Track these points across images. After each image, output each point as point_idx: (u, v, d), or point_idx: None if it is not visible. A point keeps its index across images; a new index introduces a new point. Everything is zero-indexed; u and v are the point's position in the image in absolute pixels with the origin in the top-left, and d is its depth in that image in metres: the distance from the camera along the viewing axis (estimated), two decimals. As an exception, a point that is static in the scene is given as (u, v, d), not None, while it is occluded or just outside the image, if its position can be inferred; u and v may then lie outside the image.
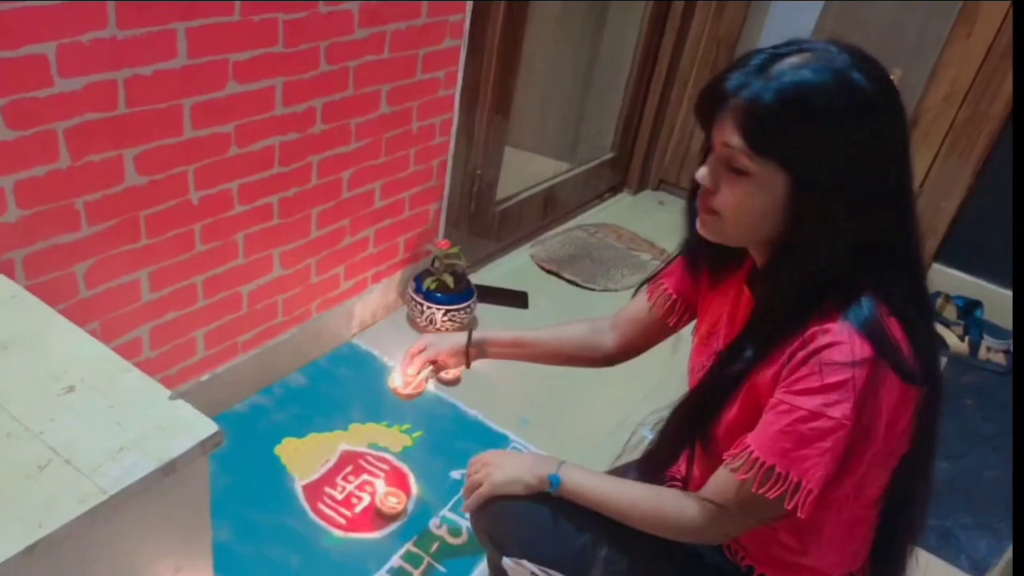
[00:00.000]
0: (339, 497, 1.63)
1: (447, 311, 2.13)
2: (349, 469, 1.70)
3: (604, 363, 1.32)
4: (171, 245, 1.48)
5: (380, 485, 1.65)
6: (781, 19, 2.94)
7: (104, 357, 1.07)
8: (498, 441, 1.86)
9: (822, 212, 0.86)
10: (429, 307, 2.12)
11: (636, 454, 1.24)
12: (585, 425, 1.97)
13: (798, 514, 0.89)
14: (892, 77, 0.87)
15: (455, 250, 2.14)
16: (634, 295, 1.27)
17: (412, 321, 2.20)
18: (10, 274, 1.22)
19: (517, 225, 2.68)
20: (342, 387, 1.94)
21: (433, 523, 1.61)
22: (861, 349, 0.85)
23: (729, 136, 0.86)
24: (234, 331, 1.73)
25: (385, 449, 1.77)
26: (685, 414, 1.06)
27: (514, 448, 1.85)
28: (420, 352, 1.33)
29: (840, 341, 0.86)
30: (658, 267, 1.24)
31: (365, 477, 1.68)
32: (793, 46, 0.87)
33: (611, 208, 3.19)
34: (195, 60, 1.35)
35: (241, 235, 1.62)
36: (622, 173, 3.25)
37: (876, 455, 0.92)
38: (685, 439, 1.10)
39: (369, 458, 1.74)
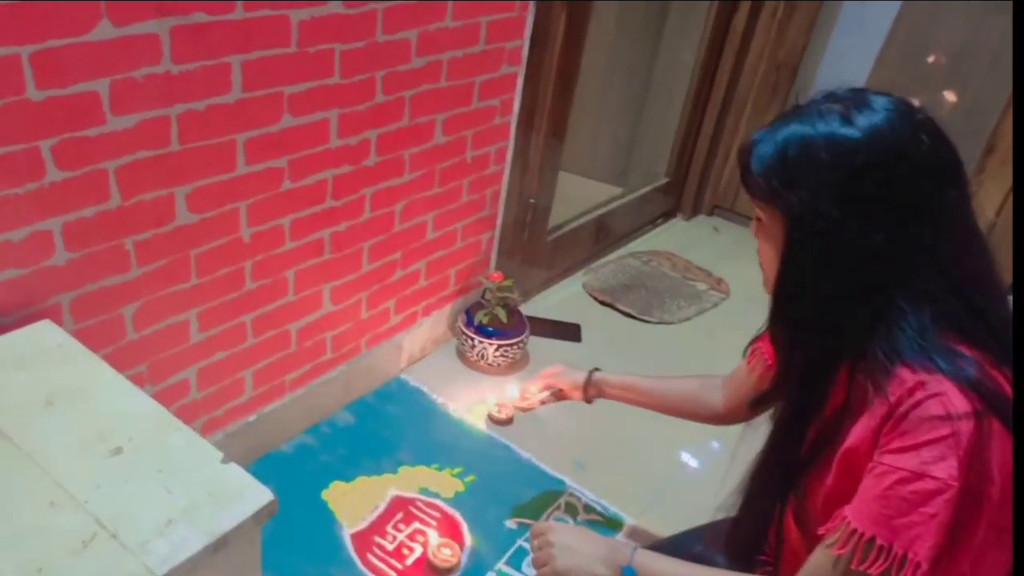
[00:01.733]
0: (390, 548, 1.55)
1: (499, 346, 2.05)
2: (399, 516, 1.62)
3: (714, 421, 1.29)
4: (221, 284, 1.42)
5: (432, 535, 1.57)
6: (842, 44, 2.83)
7: (153, 414, 1.01)
8: (553, 486, 1.77)
9: (806, 253, 0.85)
10: (481, 342, 2.04)
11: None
12: (643, 469, 1.86)
13: None
14: (949, 98, 0.84)
15: (508, 283, 2.06)
16: (744, 355, 1.21)
17: (462, 355, 2.13)
18: (57, 318, 1.17)
19: (569, 253, 2.59)
20: (391, 426, 1.86)
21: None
22: (961, 402, 0.77)
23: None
24: (282, 370, 1.66)
25: (436, 495, 1.69)
26: (764, 477, 0.99)
27: (571, 496, 1.75)
28: (551, 375, 1.49)
29: (937, 393, 0.78)
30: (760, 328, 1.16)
31: (416, 526, 1.60)
32: (820, 98, 0.88)
33: (664, 234, 3.09)
34: (249, 93, 1.29)
35: (292, 271, 1.56)
36: (676, 198, 3.15)
37: (991, 530, 0.81)
38: (768, 504, 1.01)
39: (420, 504, 1.66)
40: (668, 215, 3.18)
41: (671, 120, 2.97)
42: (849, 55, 2.81)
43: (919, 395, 0.79)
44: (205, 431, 1.54)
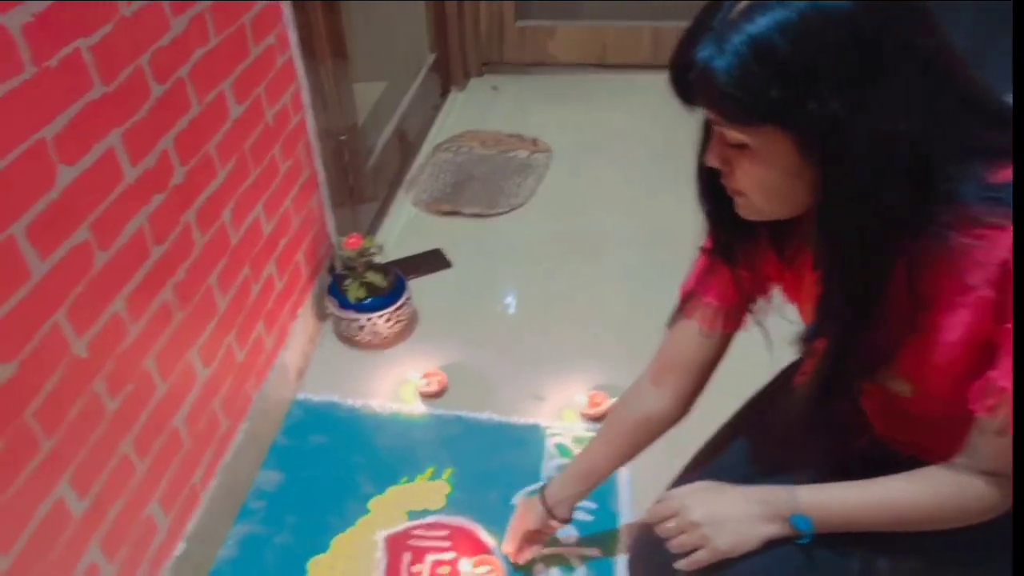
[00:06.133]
0: (421, 601, 1.30)
1: (388, 316, 1.74)
2: (408, 559, 1.35)
3: (672, 424, 1.08)
4: (78, 428, 0.99)
5: (463, 565, 1.33)
6: None
7: None
8: (532, 435, 1.57)
9: (845, 159, 0.69)
10: (368, 319, 1.72)
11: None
12: (611, 374, 1.71)
13: None
14: None
15: (370, 242, 1.73)
16: (669, 328, 1.04)
17: (349, 340, 1.79)
18: None
19: (384, 176, 2.26)
20: (327, 460, 1.54)
21: (537, 570, 1.33)
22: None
23: (708, 112, 0.74)
24: (185, 476, 1.27)
25: (427, 512, 1.43)
26: (826, 392, 0.85)
27: (554, 435, 1.57)
28: (518, 529, 1.25)
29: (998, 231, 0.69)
30: (684, 285, 1.01)
31: (432, 558, 1.35)
32: None
33: (453, 115, 2.81)
34: None
35: (150, 359, 1.14)
36: (445, 73, 2.86)
37: None
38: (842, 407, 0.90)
39: (418, 533, 1.40)
40: (445, 93, 2.89)
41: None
42: None
43: (990, 245, 0.70)
44: (136, 601, 1.15)
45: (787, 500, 0.85)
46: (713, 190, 0.83)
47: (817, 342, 0.82)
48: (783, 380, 1.11)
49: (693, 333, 1.01)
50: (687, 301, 1.01)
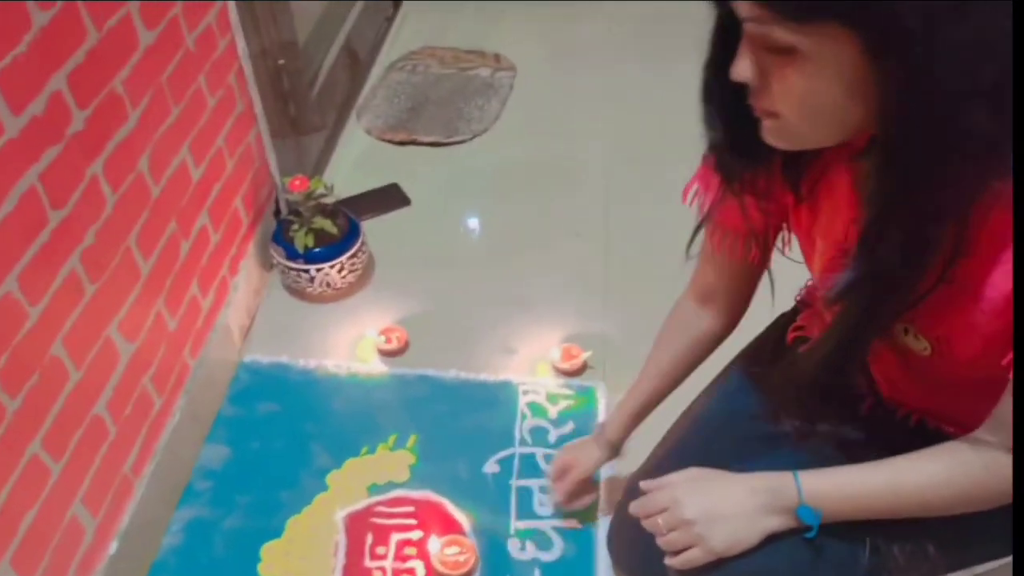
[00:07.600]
0: (386, 587, 1.19)
1: (342, 265, 1.57)
2: (371, 540, 1.24)
3: (724, 338, 1.01)
4: (-32, 437, 0.83)
5: (432, 545, 1.21)
6: None
7: None
8: (503, 393, 1.45)
9: (928, 74, 0.55)
10: (319, 269, 1.55)
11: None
12: (583, 322, 1.58)
13: None
14: None
15: (317, 182, 1.54)
16: (690, 255, 0.91)
17: (299, 293, 1.63)
18: None
19: (330, 100, 2.04)
20: (278, 431, 1.39)
21: (513, 547, 1.23)
22: None
23: (750, 8, 0.59)
24: (114, 465, 1.12)
25: (390, 486, 1.31)
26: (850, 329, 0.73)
27: (527, 393, 1.44)
28: (564, 468, 1.17)
29: None
30: (701, 209, 0.87)
31: (398, 538, 1.24)
32: None
33: (406, 29, 2.57)
34: None
35: (57, 344, 0.97)
36: (396, -22, 2.60)
37: None
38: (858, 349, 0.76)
39: (381, 510, 1.28)
40: (398, 2, 2.63)
41: None
42: None
43: None
44: (63, 612, 1.02)
45: (792, 489, 0.75)
46: (729, 111, 0.68)
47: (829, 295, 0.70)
48: (776, 336, 1.00)
49: (722, 261, 0.91)
50: (705, 224, 0.87)
